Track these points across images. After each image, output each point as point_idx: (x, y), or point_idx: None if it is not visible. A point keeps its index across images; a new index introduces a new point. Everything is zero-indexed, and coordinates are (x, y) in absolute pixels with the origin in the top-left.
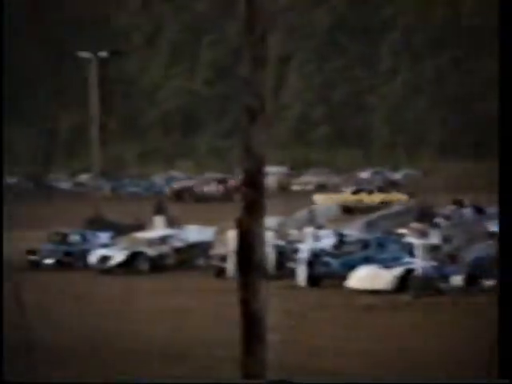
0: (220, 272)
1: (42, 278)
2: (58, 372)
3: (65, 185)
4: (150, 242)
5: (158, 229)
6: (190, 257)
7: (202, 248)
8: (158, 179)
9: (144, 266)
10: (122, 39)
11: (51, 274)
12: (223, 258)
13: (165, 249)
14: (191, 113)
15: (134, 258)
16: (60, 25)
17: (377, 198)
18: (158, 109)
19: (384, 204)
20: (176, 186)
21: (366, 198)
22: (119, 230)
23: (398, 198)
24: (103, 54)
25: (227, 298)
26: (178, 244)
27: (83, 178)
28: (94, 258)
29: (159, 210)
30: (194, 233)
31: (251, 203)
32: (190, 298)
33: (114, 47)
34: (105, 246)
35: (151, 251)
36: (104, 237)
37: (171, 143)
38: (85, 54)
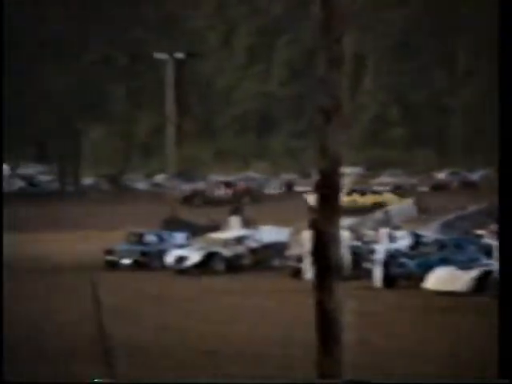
0: (295, 272)
1: (119, 278)
2: (136, 372)
3: (141, 185)
4: (226, 243)
5: (233, 229)
6: (265, 257)
7: (278, 248)
8: (234, 180)
9: (220, 266)
10: (198, 41)
11: (128, 274)
12: (299, 259)
13: (240, 249)
14: (266, 113)
15: (209, 258)
16: (137, 26)
17: (369, 199)
18: (234, 110)
19: (377, 205)
20: (187, 189)
21: (359, 199)
22: (195, 231)
23: (391, 199)
24: (179, 55)
25: (303, 299)
26: (253, 244)
27: (159, 178)
28: (170, 258)
29: (235, 211)
30: (269, 233)
31: (327, 204)
32: (265, 298)
33: (190, 49)
34: (181, 246)
35: (227, 252)
36: (180, 237)
37: (246, 144)
38: (161, 56)
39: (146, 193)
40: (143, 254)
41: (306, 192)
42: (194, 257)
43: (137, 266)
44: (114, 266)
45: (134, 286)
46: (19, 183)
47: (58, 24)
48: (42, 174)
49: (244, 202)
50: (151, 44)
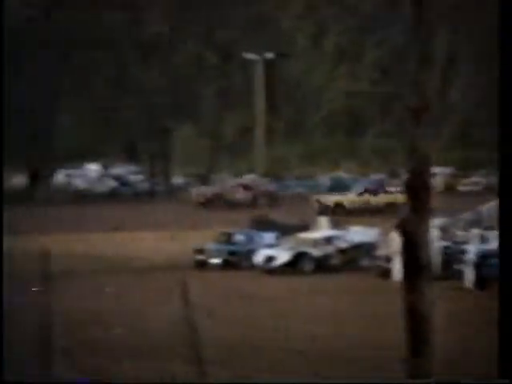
0: (385, 273)
1: (208, 277)
2: (226, 371)
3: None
4: (315, 243)
5: (322, 229)
6: (354, 257)
7: (367, 249)
8: (323, 180)
9: (309, 266)
10: (288, 41)
11: (217, 274)
12: (388, 259)
13: (329, 249)
14: (356, 113)
15: (298, 258)
16: (227, 26)
17: (382, 199)
18: (323, 109)
19: (390, 205)
20: (207, 192)
21: (372, 200)
22: (284, 231)
23: (402, 199)
24: (269, 55)
25: (392, 299)
26: (342, 244)
27: (248, 178)
28: (259, 257)
29: (324, 211)
30: (358, 233)
31: (417, 204)
32: (354, 298)
33: (279, 49)
34: (270, 246)
35: (316, 252)
36: (269, 237)
37: (336, 143)
38: (251, 56)
39: None
40: (232, 253)
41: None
42: (282, 256)
43: (226, 265)
44: (203, 265)
45: (223, 285)
46: (111, 183)
47: (150, 25)
48: (133, 174)
49: (263, 205)
50: (241, 44)
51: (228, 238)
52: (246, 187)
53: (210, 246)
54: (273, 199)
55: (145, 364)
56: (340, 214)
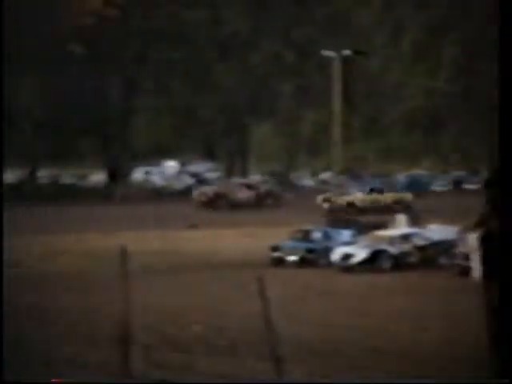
0: (464, 271)
1: (285, 275)
2: (301, 369)
3: (307, 183)
4: (393, 240)
5: (400, 227)
6: (432, 255)
7: (446, 247)
8: (400, 177)
9: (386, 264)
10: (365, 38)
11: (294, 271)
12: (467, 257)
13: (407, 247)
14: (434, 111)
15: (376, 255)
16: (305, 24)
17: (388, 197)
18: (401, 107)
19: (397, 203)
20: (209, 191)
21: (381, 198)
22: (361, 228)
23: (407, 197)
24: (346, 52)
25: (471, 298)
26: (420, 242)
27: (326, 175)
28: (336, 255)
29: (405, 209)
30: (436, 231)
31: (497, 202)
32: (432, 297)
33: (357, 46)
34: (347, 243)
35: (393, 249)
36: (346, 234)
37: (414, 141)
38: (328, 53)
39: (313, 190)
40: (309, 251)
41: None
42: (360, 254)
43: (303, 263)
44: (280, 262)
45: (300, 282)
46: (188, 180)
47: (228, 24)
48: (210, 172)
49: (266, 205)
50: (319, 42)
51: (305, 236)
52: (249, 187)
53: (287, 243)
54: (276, 199)
55: (222, 361)
56: (352, 213)
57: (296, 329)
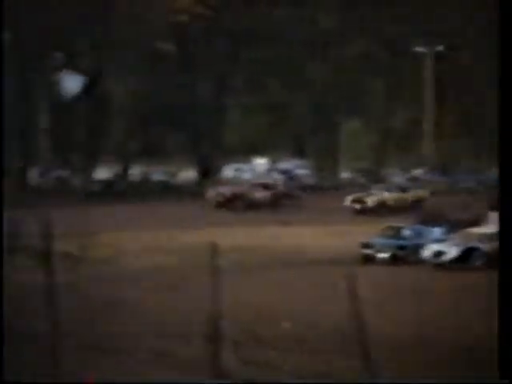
0: None
1: (375, 272)
2: (395, 366)
3: (398, 179)
4: (486, 238)
5: (493, 224)
6: None
7: None
8: (493, 174)
9: (479, 261)
10: (457, 34)
11: (385, 268)
12: None
13: None
14: None
15: (468, 253)
16: (395, 21)
17: (409, 195)
18: (494, 103)
19: (419, 200)
20: (226, 192)
21: (406, 197)
22: (453, 225)
23: (425, 194)
24: (439, 48)
25: None
26: None
27: (417, 172)
28: (427, 252)
29: (495, 206)
30: None
31: None
32: None
33: (449, 42)
34: (438, 240)
35: (486, 247)
36: (437, 232)
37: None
38: (420, 49)
39: (404, 186)
40: (401, 248)
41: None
42: (451, 252)
43: (393, 260)
44: (370, 260)
45: (392, 280)
46: (278, 177)
47: (319, 22)
48: (300, 169)
49: (283, 205)
50: (410, 38)
51: (396, 233)
52: (265, 187)
53: (378, 240)
54: (294, 199)
55: (311, 359)
56: (383, 213)
57: (387, 327)
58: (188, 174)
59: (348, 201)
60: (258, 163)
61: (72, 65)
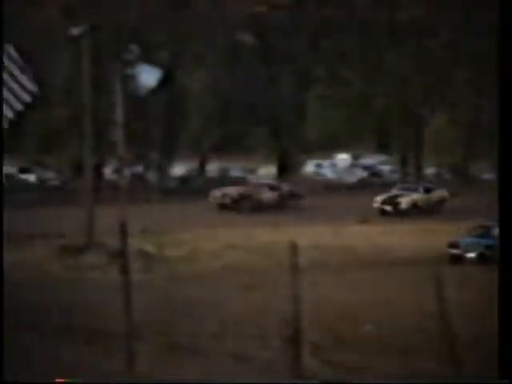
0: None
1: (463, 272)
2: (480, 370)
3: (488, 176)
4: None
5: None
6: None
7: None
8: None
9: None
10: None
11: (472, 268)
12: None
13: None
14: None
15: None
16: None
17: (434, 196)
18: None
19: (443, 200)
20: (232, 192)
21: (432, 197)
22: None
23: (446, 195)
24: None
25: None
26: None
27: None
28: None
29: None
30: None
31: None
32: None
33: None
34: None
35: None
36: None
37: None
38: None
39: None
40: (489, 247)
41: None
42: None
43: (481, 259)
44: (458, 259)
45: (480, 280)
46: (360, 173)
47: (404, 9)
48: (384, 164)
49: (290, 205)
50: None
51: (485, 232)
52: (271, 187)
53: (466, 239)
54: (300, 199)
55: (395, 361)
56: (416, 215)
57: (474, 328)
58: (268, 170)
59: (377, 202)
60: (340, 158)
61: (148, 58)
